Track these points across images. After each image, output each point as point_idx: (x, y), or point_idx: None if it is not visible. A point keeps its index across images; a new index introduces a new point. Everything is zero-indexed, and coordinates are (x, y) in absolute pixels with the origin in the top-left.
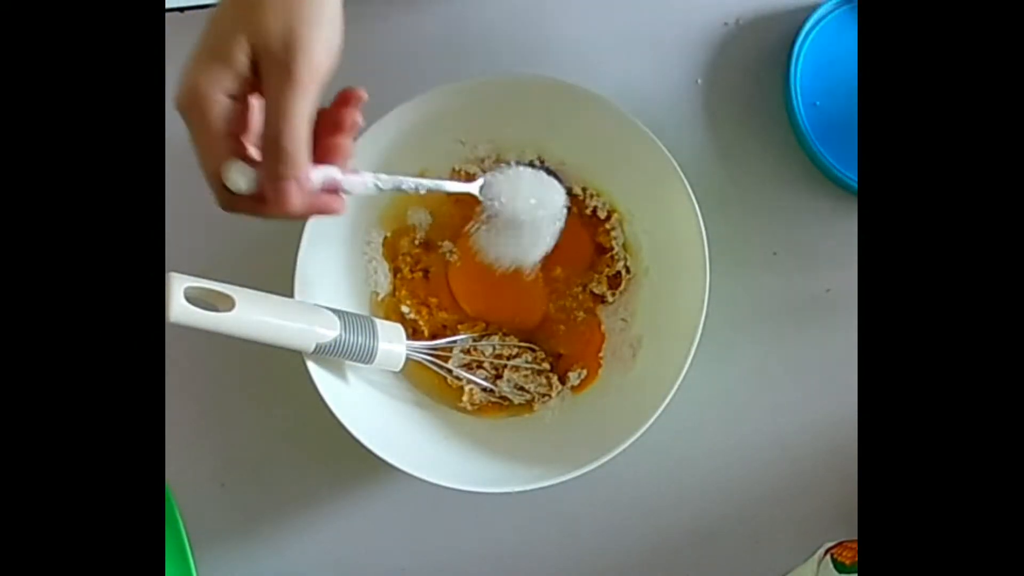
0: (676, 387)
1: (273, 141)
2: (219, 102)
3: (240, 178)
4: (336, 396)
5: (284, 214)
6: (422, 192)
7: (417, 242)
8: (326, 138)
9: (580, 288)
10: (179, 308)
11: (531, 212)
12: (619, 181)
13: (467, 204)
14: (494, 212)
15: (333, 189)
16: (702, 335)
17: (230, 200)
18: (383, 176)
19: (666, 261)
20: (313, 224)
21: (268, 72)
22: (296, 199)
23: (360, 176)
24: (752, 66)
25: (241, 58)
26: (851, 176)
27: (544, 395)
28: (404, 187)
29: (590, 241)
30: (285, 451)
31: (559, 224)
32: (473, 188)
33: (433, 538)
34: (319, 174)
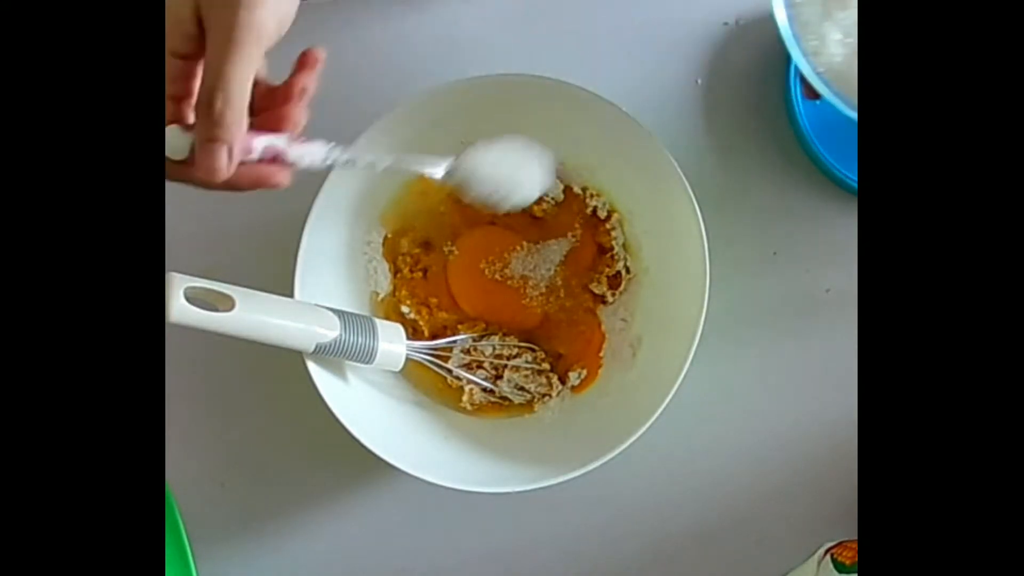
0: (676, 387)
1: (206, 102)
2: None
3: (176, 142)
4: (336, 396)
5: (211, 180)
6: (379, 169)
7: (417, 242)
8: (278, 109)
9: (580, 288)
10: (179, 308)
11: (504, 199)
12: (619, 181)
13: (468, 204)
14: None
15: (277, 160)
16: (702, 335)
17: (168, 167)
18: (337, 148)
19: (666, 261)
20: (313, 224)
21: (208, 28)
22: (223, 164)
23: (310, 145)
24: (752, 66)
25: (186, 13)
26: (851, 176)
27: (544, 395)
28: (360, 163)
29: (590, 241)
30: (285, 451)
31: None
32: (437, 172)
33: (433, 538)
34: (261, 142)
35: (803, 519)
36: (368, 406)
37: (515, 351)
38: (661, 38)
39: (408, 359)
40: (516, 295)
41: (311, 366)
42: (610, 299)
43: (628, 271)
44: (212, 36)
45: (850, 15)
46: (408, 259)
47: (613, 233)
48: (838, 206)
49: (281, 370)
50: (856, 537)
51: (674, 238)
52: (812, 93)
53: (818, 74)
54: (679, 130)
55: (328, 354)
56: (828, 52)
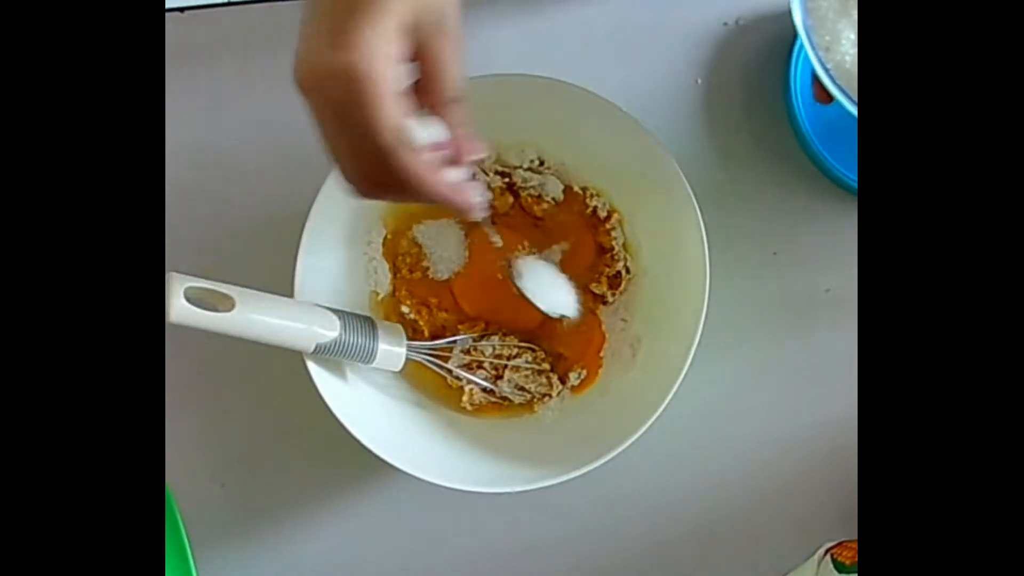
0: (676, 387)
1: (453, 91)
2: (391, 57)
3: (426, 131)
4: (336, 396)
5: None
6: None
7: (417, 242)
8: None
9: (580, 288)
10: (179, 308)
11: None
12: (619, 181)
13: None
14: None
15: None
16: (702, 335)
17: (409, 161)
18: None
19: (666, 261)
20: (313, 224)
21: (431, 27)
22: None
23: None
24: (752, 66)
25: (406, 14)
26: (851, 176)
27: (544, 395)
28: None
29: (590, 241)
30: (285, 451)
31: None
32: None
33: (433, 538)
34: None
35: (803, 519)
36: (368, 406)
37: (515, 351)
38: (661, 38)
39: (408, 359)
40: (516, 295)
41: (311, 366)
42: (610, 299)
43: (628, 271)
44: (436, 33)
45: None
46: (408, 259)
47: (613, 233)
48: (838, 206)
49: (281, 370)
50: (856, 537)
51: (674, 238)
52: (824, 96)
53: (826, 70)
54: (679, 130)
55: (328, 354)
56: (839, 51)
